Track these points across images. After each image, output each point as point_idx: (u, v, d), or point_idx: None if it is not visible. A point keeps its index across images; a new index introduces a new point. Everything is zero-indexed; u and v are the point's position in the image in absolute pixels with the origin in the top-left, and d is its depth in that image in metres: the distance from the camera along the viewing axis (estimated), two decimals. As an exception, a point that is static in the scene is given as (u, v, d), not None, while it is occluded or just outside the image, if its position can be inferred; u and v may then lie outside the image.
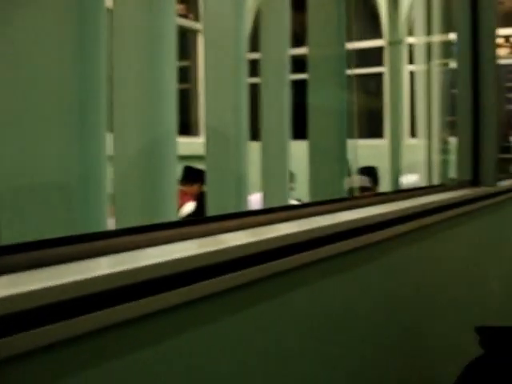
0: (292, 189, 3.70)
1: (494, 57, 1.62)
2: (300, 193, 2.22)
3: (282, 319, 0.80)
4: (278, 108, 1.30)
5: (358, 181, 3.37)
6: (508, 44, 7.60)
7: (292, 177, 3.62)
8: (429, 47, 2.41)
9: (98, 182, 0.90)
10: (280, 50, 1.30)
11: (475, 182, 1.61)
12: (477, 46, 1.60)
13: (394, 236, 1.08)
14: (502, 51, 7.68)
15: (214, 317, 0.69)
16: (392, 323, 1.09)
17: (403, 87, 3.85)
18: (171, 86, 1.10)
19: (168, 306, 0.61)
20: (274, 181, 1.30)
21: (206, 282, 0.65)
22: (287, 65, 1.32)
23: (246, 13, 1.19)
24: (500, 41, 7.61)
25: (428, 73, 1.86)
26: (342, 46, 1.48)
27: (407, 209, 1.16)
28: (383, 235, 1.03)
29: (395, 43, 4.32)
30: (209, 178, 1.08)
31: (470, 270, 1.52)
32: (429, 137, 1.75)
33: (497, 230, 1.72)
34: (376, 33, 6.17)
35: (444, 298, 1.33)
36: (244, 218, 0.87)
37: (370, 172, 3.99)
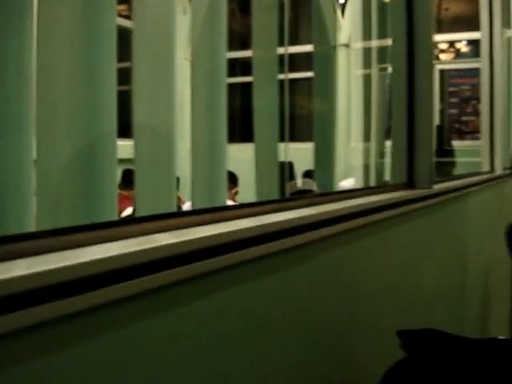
0: (236, 193, 3.71)
1: (431, 62, 1.65)
2: (248, 196, 2.23)
3: (209, 319, 0.80)
4: (214, 110, 1.31)
5: (301, 184, 3.40)
6: (453, 49, 7.78)
7: (236, 180, 3.63)
8: (368, 52, 2.45)
9: (21, 186, 0.89)
10: (217, 52, 1.30)
11: (410, 184, 1.64)
12: (413, 51, 1.63)
13: (325, 237, 1.10)
14: (446, 56, 7.87)
15: (142, 315, 0.69)
16: (319, 324, 1.10)
17: (347, 91, 3.90)
18: (111, 87, 1.09)
19: (100, 303, 0.62)
20: (210, 184, 1.30)
21: (130, 281, 0.66)
22: (224, 67, 1.32)
23: (176, 13, 1.19)
24: (445, 46, 7.79)
25: (366, 77, 1.88)
26: (274, 49, 1.49)
27: (337, 210, 1.17)
28: (313, 236, 1.04)
29: (341, 47, 4.37)
30: (138, 180, 1.08)
31: (404, 271, 1.55)
32: (365, 140, 1.78)
33: (431, 232, 1.76)
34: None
35: (374, 299, 1.35)
36: (173, 219, 0.87)
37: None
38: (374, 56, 2.53)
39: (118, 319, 0.66)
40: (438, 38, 7.57)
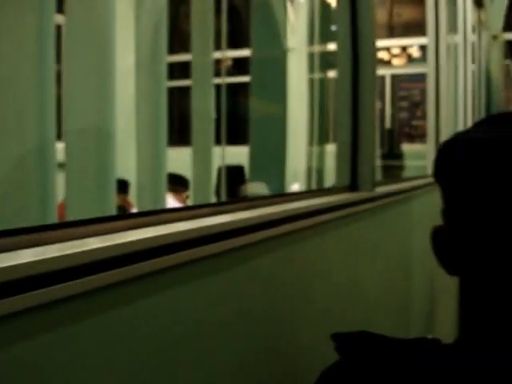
0: (187, 197, 3.69)
1: (374, 66, 1.68)
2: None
3: (141, 324, 0.80)
4: (153, 113, 1.30)
5: (255, 188, 3.40)
6: (405, 54, 7.92)
7: (187, 184, 3.62)
8: (313, 56, 2.47)
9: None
10: (157, 55, 1.30)
11: (353, 187, 1.66)
12: (357, 56, 1.66)
13: (264, 240, 1.10)
14: (399, 61, 8.00)
15: (75, 318, 0.68)
16: (257, 327, 1.11)
17: (301, 95, 3.94)
18: (48, 89, 1.07)
19: (35, 305, 0.63)
20: (150, 186, 1.30)
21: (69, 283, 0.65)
22: (164, 71, 1.32)
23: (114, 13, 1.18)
24: (397, 51, 7.92)
25: (310, 81, 1.90)
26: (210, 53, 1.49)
27: (277, 213, 1.18)
28: (251, 239, 1.05)
29: (294, 51, 4.40)
30: (68, 184, 1.06)
31: (347, 273, 1.57)
32: (309, 144, 1.80)
33: (375, 234, 1.79)
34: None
35: (316, 301, 1.36)
36: (108, 223, 0.87)
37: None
38: (316, 60, 2.57)
39: (44, 323, 0.65)
40: (388, 43, 7.70)
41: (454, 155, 0.81)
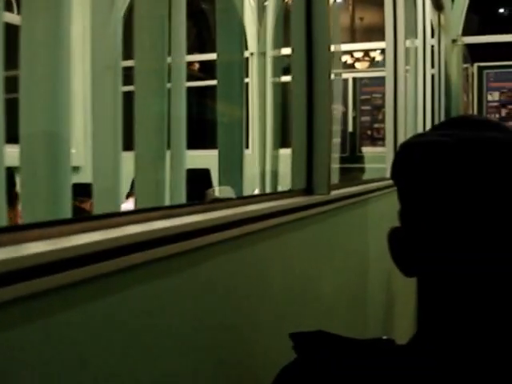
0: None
1: (329, 71, 1.70)
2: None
3: (87, 328, 0.80)
4: (110, 117, 1.31)
5: (222, 191, 3.40)
6: (367, 58, 8.01)
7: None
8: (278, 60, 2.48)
9: None
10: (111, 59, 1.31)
11: (309, 190, 1.68)
12: (311, 60, 1.68)
13: (217, 242, 1.11)
14: (361, 65, 8.09)
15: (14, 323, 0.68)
16: (211, 330, 1.11)
17: (264, 99, 3.96)
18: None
19: None
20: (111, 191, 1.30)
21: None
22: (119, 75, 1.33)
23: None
24: (360, 54, 8.01)
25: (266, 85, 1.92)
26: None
27: (231, 216, 1.19)
28: (203, 242, 1.06)
29: (259, 55, 4.43)
30: (23, 188, 1.06)
31: (303, 275, 1.58)
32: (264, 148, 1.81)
33: (331, 236, 1.81)
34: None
35: (272, 303, 1.37)
36: (53, 228, 0.87)
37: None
38: (280, 64, 2.59)
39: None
40: (350, 47, 7.78)
41: (411, 157, 0.83)
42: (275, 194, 1.64)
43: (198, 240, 1.04)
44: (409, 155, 0.84)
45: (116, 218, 0.98)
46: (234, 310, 1.20)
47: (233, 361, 1.20)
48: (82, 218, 0.94)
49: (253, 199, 1.50)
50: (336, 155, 3.77)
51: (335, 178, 3.58)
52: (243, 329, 1.24)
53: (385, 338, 0.92)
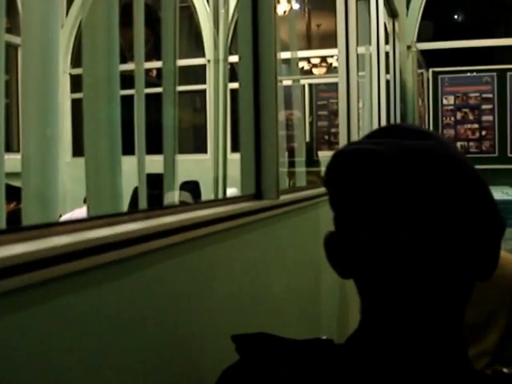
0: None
1: (275, 77, 1.72)
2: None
3: (20, 335, 0.80)
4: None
5: (181, 196, 3.41)
6: (325, 64, 8.10)
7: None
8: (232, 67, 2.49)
9: None
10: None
11: (258, 195, 1.70)
12: (258, 68, 1.70)
13: (157, 249, 1.12)
14: (319, 71, 8.17)
15: None
16: (153, 338, 1.12)
17: (225, 104, 3.98)
18: None
19: None
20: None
21: None
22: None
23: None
24: (317, 61, 8.09)
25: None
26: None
27: (177, 222, 1.20)
28: (142, 249, 1.06)
29: (216, 62, 4.45)
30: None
31: (252, 279, 1.60)
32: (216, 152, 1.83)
33: (281, 240, 1.83)
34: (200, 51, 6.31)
35: (221, 307, 1.39)
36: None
37: (192, 187, 4.06)
38: (225, 70, 2.61)
39: None
40: (306, 53, 7.86)
41: (343, 166, 0.85)
42: (224, 200, 1.65)
43: (139, 247, 1.05)
44: (341, 164, 0.86)
45: (56, 227, 0.98)
46: (178, 315, 1.21)
47: (176, 364, 1.21)
48: (12, 228, 0.94)
49: (202, 205, 1.51)
50: (302, 159, 3.80)
51: (303, 181, 3.62)
52: (187, 332, 1.25)
53: (324, 338, 0.95)
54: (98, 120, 1.42)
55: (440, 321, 0.83)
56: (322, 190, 2.39)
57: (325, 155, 5.59)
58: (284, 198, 1.78)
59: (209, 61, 4.91)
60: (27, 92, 1.34)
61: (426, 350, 0.81)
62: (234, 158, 3.36)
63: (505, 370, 0.90)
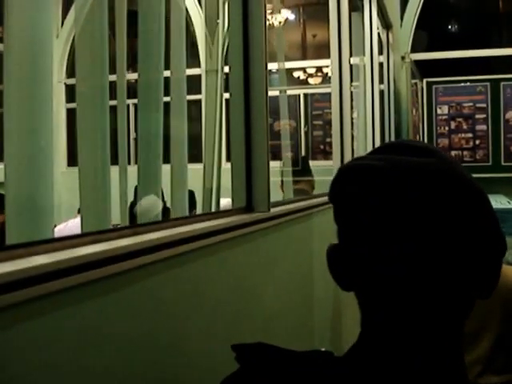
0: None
1: (266, 88, 1.72)
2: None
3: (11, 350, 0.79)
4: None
5: (143, 202, 3.38)
6: (320, 74, 8.11)
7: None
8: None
9: None
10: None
11: (249, 208, 1.69)
12: (248, 78, 1.69)
13: (145, 265, 1.11)
14: (314, 80, 8.19)
15: None
16: (143, 353, 1.11)
17: (220, 114, 3.97)
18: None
19: None
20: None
21: None
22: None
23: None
24: (312, 71, 8.11)
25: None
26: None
27: (167, 237, 1.19)
28: (129, 265, 1.05)
29: (211, 72, 4.45)
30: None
31: (244, 291, 1.59)
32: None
33: (271, 253, 1.82)
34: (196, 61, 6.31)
35: (207, 321, 1.37)
36: None
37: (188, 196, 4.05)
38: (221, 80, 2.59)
39: None
40: (301, 63, 7.88)
41: (346, 181, 0.86)
42: (216, 213, 1.64)
43: (127, 263, 1.04)
44: (342, 179, 0.87)
45: (46, 244, 0.97)
46: (168, 329, 1.20)
47: (165, 378, 1.19)
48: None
49: (192, 219, 1.50)
50: (289, 168, 3.80)
51: (289, 193, 3.61)
52: (179, 347, 1.24)
53: (323, 349, 0.95)
54: (92, 130, 1.42)
55: (438, 335, 0.83)
56: (314, 201, 2.40)
57: (315, 165, 5.66)
58: (275, 210, 1.78)
59: (206, 71, 4.90)
60: (10, 101, 1.32)
61: (424, 364, 0.81)
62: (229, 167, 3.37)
63: (495, 380, 0.90)
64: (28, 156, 1.27)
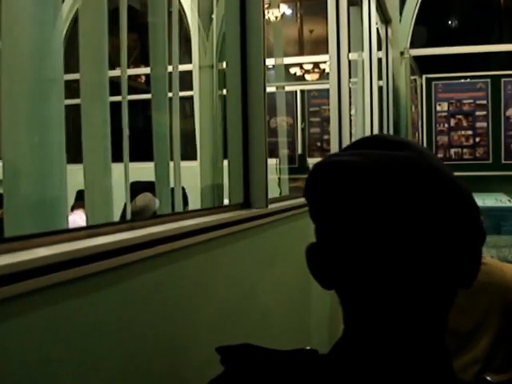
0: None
1: (264, 84, 1.71)
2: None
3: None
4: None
5: (139, 200, 3.38)
6: (317, 70, 8.10)
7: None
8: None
9: None
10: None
11: (246, 204, 1.68)
12: (246, 75, 1.68)
13: (142, 259, 1.10)
14: (311, 77, 8.17)
15: None
16: (136, 348, 1.10)
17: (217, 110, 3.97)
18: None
19: None
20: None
21: None
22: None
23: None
24: (309, 67, 8.10)
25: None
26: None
27: (167, 231, 1.19)
28: (126, 260, 1.05)
29: (205, 68, 4.43)
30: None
31: (241, 287, 1.58)
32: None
33: (268, 249, 1.82)
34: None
35: (202, 317, 1.37)
36: None
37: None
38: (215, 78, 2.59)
39: None
40: (298, 59, 7.87)
41: (319, 177, 0.85)
42: (213, 209, 1.63)
43: (122, 258, 1.03)
44: (317, 176, 0.86)
45: (51, 236, 0.97)
46: (164, 325, 1.20)
47: (159, 375, 1.19)
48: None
49: (190, 214, 1.49)
50: (285, 166, 3.79)
51: (286, 191, 3.61)
52: (173, 342, 1.23)
53: (308, 348, 0.94)
54: (94, 125, 1.42)
55: (422, 329, 0.82)
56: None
57: (312, 162, 5.64)
58: (273, 206, 1.77)
59: (200, 67, 4.89)
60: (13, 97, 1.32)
61: (409, 359, 0.81)
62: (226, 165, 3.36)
63: (488, 378, 0.90)
64: (40, 147, 1.28)
